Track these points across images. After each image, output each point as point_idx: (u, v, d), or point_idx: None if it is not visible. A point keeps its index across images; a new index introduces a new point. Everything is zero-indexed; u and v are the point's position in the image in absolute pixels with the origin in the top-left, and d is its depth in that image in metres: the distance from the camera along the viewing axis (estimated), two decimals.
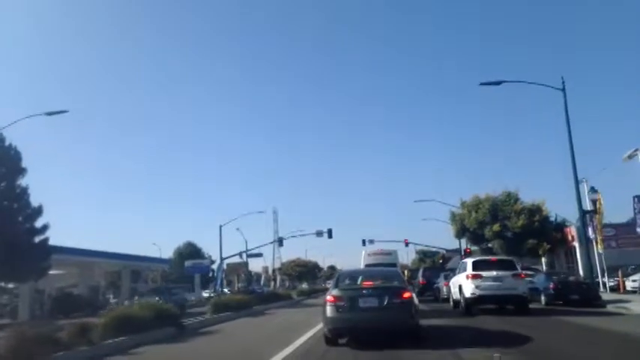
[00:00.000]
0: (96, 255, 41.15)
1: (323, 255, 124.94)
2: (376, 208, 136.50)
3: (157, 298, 19.33)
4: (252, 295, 27.56)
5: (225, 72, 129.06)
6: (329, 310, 8.40)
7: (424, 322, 9.49)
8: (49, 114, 21.45)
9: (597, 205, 20.33)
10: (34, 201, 27.61)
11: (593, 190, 20.10)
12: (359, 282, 9.24)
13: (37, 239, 28.18)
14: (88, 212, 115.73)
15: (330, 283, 9.78)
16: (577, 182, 18.50)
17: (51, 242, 33.55)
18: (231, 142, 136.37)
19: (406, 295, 8.42)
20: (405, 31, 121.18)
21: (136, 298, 54.56)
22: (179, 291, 30.53)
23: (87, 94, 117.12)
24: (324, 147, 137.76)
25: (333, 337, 8.59)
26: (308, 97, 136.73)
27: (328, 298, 8.61)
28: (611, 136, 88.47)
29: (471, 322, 12.37)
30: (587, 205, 20.98)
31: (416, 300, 8.86)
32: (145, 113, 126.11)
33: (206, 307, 20.14)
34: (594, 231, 21.27)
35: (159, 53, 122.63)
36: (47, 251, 28.30)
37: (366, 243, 43.92)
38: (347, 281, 9.55)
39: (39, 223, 28.35)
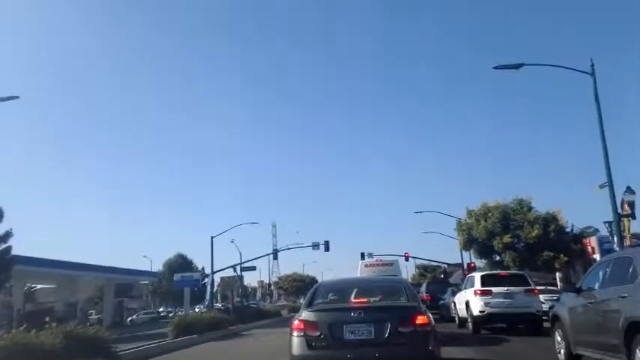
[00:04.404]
0: (77, 268, 38.45)
1: (321, 270, 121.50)
2: (376, 222, 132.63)
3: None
4: (233, 313, 24.48)
5: (223, 71, 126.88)
6: (295, 345, 5.39)
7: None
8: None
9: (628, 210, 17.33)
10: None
11: (629, 190, 17.04)
12: (348, 299, 6.22)
13: None
14: (77, 225, 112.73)
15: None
16: (610, 179, 15.38)
17: (31, 254, 30.78)
18: (228, 149, 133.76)
19: (421, 319, 5.38)
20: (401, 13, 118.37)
21: (129, 319, 52.11)
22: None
23: (74, 91, 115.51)
24: (322, 159, 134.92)
25: None
26: (308, 104, 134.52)
27: (295, 324, 5.57)
28: None
29: (503, 355, 9.45)
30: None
31: (435, 327, 5.77)
32: (137, 112, 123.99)
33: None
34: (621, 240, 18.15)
35: (152, 45, 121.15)
36: (7, 262, 25.73)
37: (365, 256, 40.83)
38: (328, 297, 6.46)
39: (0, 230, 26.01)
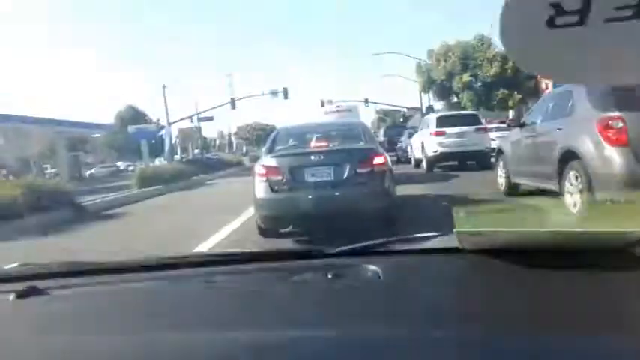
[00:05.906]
0: (21, 121, 36.66)
1: (282, 120, 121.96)
2: (335, 68, 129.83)
3: None
4: (195, 164, 24.57)
5: None
6: (259, 189, 5.55)
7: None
8: None
9: None
10: None
11: None
12: (308, 144, 6.32)
13: None
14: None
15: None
16: None
17: None
18: None
19: (378, 160, 5.64)
20: None
21: (88, 172, 51.41)
22: None
23: None
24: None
25: (268, 228, 5.78)
26: None
27: (257, 169, 5.68)
28: None
29: (450, 189, 9.71)
30: None
31: (391, 167, 6.10)
32: None
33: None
34: None
35: None
36: None
37: (325, 103, 40.38)
38: (288, 143, 6.57)
39: None
